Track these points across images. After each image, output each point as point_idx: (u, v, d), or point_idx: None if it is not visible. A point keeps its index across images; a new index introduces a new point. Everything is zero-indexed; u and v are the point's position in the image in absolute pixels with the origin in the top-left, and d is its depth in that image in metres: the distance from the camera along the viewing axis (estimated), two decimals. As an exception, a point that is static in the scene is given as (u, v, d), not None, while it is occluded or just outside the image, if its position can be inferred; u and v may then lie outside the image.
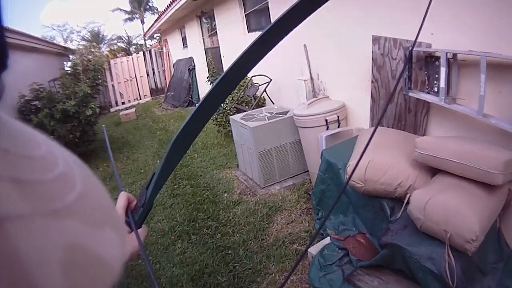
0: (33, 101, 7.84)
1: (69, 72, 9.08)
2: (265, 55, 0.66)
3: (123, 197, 0.83)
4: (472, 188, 2.07)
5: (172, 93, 12.37)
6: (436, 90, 2.81)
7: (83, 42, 18.91)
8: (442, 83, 2.65)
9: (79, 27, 18.27)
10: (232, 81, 0.71)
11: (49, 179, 0.24)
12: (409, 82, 3.02)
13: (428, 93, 2.92)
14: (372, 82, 3.53)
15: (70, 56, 15.29)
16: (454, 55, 2.62)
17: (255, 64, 0.68)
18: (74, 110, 7.32)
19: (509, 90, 2.33)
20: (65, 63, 14.92)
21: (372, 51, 3.45)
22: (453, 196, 2.01)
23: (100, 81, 9.51)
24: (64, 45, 17.31)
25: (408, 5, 3.01)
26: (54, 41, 17.65)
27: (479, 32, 2.48)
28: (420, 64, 2.97)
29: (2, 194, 0.20)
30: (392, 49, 3.23)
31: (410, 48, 2.98)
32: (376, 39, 3.39)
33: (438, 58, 2.75)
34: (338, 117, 3.85)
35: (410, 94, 3.00)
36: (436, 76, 2.81)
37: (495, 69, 2.30)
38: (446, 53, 2.61)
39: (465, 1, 2.55)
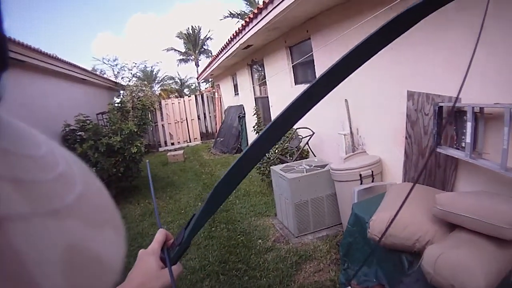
0: (78, 131, 8.25)
1: (117, 107, 9.53)
2: (310, 109, 0.68)
3: (161, 233, 0.90)
4: (485, 244, 2.19)
5: (222, 139, 12.72)
6: (464, 146, 2.94)
7: (135, 79, 19.61)
8: (468, 138, 2.79)
9: (130, 64, 18.96)
10: (277, 132, 0.72)
11: (49, 179, 0.25)
12: (438, 137, 3.19)
13: (457, 148, 3.07)
14: (406, 138, 3.72)
15: (121, 92, 15.96)
16: (481, 109, 2.77)
17: (301, 117, 0.70)
18: (119, 146, 7.59)
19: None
20: (115, 98, 15.70)
21: (407, 107, 3.66)
22: (464, 251, 2.15)
23: (147, 121, 9.76)
24: (115, 80, 18.41)
25: (441, 60, 3.23)
26: (105, 75, 18.41)
27: (506, 86, 2.62)
28: (450, 119, 3.12)
29: (2, 194, 0.21)
30: (425, 104, 3.43)
31: (439, 104, 3.16)
32: (410, 95, 3.61)
33: (465, 113, 2.90)
34: (372, 172, 4.06)
35: (438, 150, 3.17)
36: (464, 131, 2.95)
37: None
38: (472, 107, 2.76)
39: (492, 55, 2.69)
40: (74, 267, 0.23)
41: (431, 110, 3.34)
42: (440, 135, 3.21)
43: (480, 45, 2.78)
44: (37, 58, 7.57)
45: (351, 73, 0.66)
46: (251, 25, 6.52)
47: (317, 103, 0.67)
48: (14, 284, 0.19)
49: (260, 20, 5.86)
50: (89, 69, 14.42)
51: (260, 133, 0.70)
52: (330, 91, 0.67)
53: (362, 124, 4.74)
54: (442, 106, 3.16)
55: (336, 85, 0.67)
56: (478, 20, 2.78)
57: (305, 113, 0.69)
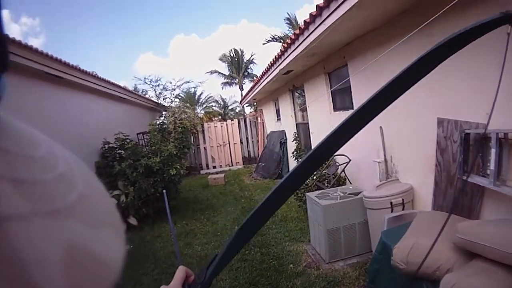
0: (118, 150, 8.51)
1: (158, 128, 9.67)
2: (351, 138, 0.71)
3: (181, 270, 0.88)
4: (503, 273, 2.23)
5: (263, 164, 12.84)
6: (489, 172, 2.95)
7: (177, 101, 19.79)
8: (492, 165, 2.82)
9: (173, 85, 19.11)
10: (317, 160, 0.73)
11: (49, 179, 0.25)
12: (464, 165, 3.22)
13: (482, 175, 3.08)
14: (436, 165, 3.77)
15: (163, 113, 16.26)
16: (505, 134, 2.78)
17: (341, 146, 0.73)
18: (158, 167, 7.80)
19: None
20: (157, 119, 15.95)
21: (437, 134, 3.72)
22: (479, 281, 2.20)
23: (188, 144, 9.87)
24: (157, 101, 18.66)
25: (468, 86, 3.29)
26: (146, 95, 18.62)
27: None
28: (477, 147, 3.17)
29: (2, 194, 0.21)
30: (453, 131, 3.48)
31: (465, 131, 3.21)
32: (440, 122, 3.68)
33: (490, 139, 2.92)
34: (403, 199, 4.13)
35: (464, 178, 3.22)
36: (489, 157, 2.95)
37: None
38: (497, 133, 2.79)
39: None
40: (74, 267, 0.23)
41: (459, 137, 3.39)
42: (467, 162, 3.25)
43: (505, 71, 2.85)
44: (76, 75, 7.80)
45: (389, 104, 0.71)
46: (289, 51, 6.68)
47: (357, 132, 0.72)
48: (14, 284, 0.20)
49: (298, 45, 6.02)
50: (131, 88, 14.79)
51: (300, 161, 0.73)
52: (371, 119, 0.72)
53: (395, 151, 4.81)
54: (468, 133, 3.22)
55: (378, 114, 0.72)
56: (503, 47, 2.83)
57: (345, 142, 0.72)
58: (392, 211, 4.08)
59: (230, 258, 0.82)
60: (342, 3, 3.91)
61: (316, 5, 4.54)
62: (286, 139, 12.10)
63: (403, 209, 4.12)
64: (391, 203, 4.09)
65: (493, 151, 2.84)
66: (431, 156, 3.90)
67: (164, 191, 1.36)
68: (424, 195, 4.16)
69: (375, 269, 3.50)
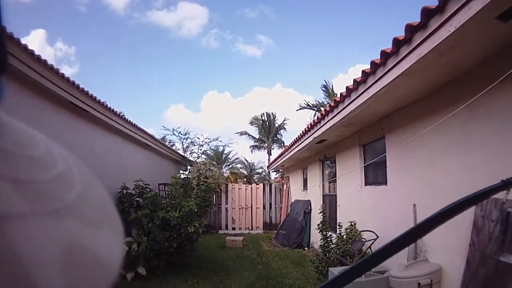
0: (136, 197, 8.37)
1: (181, 183, 9.62)
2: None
3: None
4: None
5: (284, 232, 12.59)
6: None
7: (203, 157, 19.88)
8: None
9: (201, 140, 19.22)
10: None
11: (48, 179, 0.26)
12: (502, 245, 3.04)
13: None
14: (470, 245, 3.56)
15: (188, 167, 16.26)
16: None
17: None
18: (176, 222, 7.61)
19: None
20: (181, 172, 15.97)
21: (474, 213, 3.54)
22: None
23: (210, 203, 9.73)
24: (183, 154, 18.68)
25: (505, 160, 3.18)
26: (173, 147, 18.93)
27: None
28: None
29: (2, 194, 0.21)
30: (492, 210, 3.31)
31: (507, 209, 3.06)
32: None
33: None
34: (431, 280, 3.90)
35: (501, 258, 3.03)
36: None
37: None
38: None
39: None
40: (72, 266, 0.23)
41: (498, 216, 3.23)
42: (505, 242, 3.07)
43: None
44: (101, 111, 7.88)
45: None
46: (326, 119, 6.71)
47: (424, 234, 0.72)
48: (13, 284, 0.20)
49: (336, 114, 6.05)
50: (158, 137, 14.74)
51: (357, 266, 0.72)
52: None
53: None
54: (510, 212, 3.06)
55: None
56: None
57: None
58: (419, 293, 3.83)
59: None
60: (391, 69, 3.89)
61: (362, 71, 4.56)
62: (310, 209, 11.94)
63: (431, 291, 3.87)
64: (419, 284, 3.87)
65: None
66: (465, 236, 3.71)
67: None
68: (453, 276, 3.93)
69: None
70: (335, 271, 4.91)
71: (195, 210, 8.27)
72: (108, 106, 8.21)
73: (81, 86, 6.73)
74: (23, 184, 0.23)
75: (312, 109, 26.25)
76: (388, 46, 3.89)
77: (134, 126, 10.17)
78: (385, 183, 6.02)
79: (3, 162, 0.23)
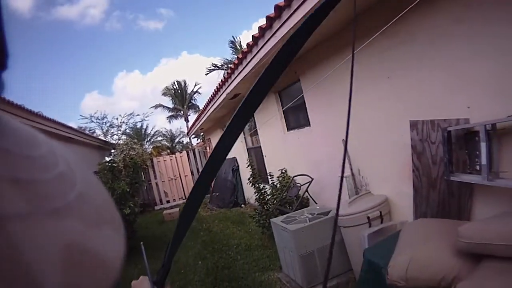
0: None
1: (108, 167, 9.42)
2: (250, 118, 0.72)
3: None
4: None
5: (217, 194, 12.57)
6: (478, 168, 2.79)
7: (124, 137, 19.49)
8: (484, 160, 2.64)
9: (119, 121, 18.80)
10: (216, 162, 0.75)
11: (49, 179, 0.25)
12: (449, 165, 3.03)
13: (470, 173, 2.92)
14: (413, 171, 3.51)
15: (112, 151, 15.90)
16: (493, 125, 2.62)
17: (241, 131, 0.75)
18: None
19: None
20: (106, 157, 15.57)
21: (411, 138, 3.47)
22: (500, 281, 1.96)
23: (140, 180, 9.61)
24: (104, 139, 18.34)
25: (439, 81, 3.15)
26: (94, 134, 18.39)
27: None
28: (460, 144, 2.99)
29: (2, 194, 0.21)
30: (430, 132, 3.27)
31: (447, 129, 3.02)
32: (413, 125, 3.43)
33: (477, 133, 2.76)
34: (380, 212, 3.89)
35: (452, 178, 3.01)
36: (477, 153, 2.80)
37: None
38: (485, 125, 2.62)
39: (498, 68, 2.60)
40: (73, 266, 0.23)
41: (438, 138, 3.20)
42: (452, 161, 3.05)
43: (478, 59, 2.74)
44: (16, 113, 7.38)
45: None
46: (236, 72, 6.49)
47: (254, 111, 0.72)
48: (13, 283, 0.19)
49: (246, 65, 5.82)
50: (76, 127, 14.38)
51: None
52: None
53: (363, 163, 4.59)
54: (450, 131, 3.03)
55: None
56: (474, 32, 2.74)
57: (245, 124, 0.75)
58: (370, 226, 3.82)
59: (180, 239, 0.92)
60: (296, 9, 3.73)
61: (266, 16, 4.37)
62: (238, 166, 11.99)
63: (381, 223, 3.88)
64: (368, 217, 3.84)
65: (483, 145, 2.65)
66: (406, 162, 3.67)
67: (142, 243, 1.34)
68: (402, 204, 3.93)
69: (363, 290, 3.21)
70: (277, 221, 4.81)
71: (128, 190, 8.07)
72: (24, 106, 7.77)
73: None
74: (23, 184, 0.23)
75: (221, 69, 26.00)
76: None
77: (53, 121, 9.80)
78: (308, 124, 5.96)
79: (3, 162, 0.22)
